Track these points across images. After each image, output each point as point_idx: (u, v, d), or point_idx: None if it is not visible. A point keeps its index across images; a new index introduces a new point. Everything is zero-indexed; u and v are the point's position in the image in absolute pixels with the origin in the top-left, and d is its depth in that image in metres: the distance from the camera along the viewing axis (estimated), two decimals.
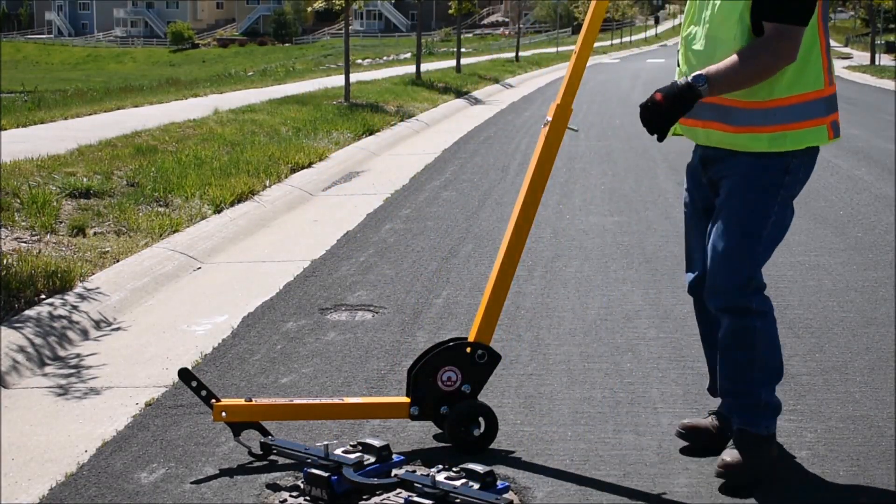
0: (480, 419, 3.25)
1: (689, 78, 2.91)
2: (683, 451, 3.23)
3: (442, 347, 3.30)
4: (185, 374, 3.26)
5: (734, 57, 2.90)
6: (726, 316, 3.06)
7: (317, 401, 3.37)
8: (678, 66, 3.19)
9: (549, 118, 3.27)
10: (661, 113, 2.91)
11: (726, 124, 3.01)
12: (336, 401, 3.36)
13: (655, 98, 2.92)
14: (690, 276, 3.28)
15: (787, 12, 2.86)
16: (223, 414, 3.22)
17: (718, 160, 3.08)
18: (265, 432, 3.23)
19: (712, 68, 2.90)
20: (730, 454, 3.02)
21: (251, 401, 3.27)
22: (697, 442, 3.24)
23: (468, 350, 3.28)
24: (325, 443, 2.98)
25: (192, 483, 3.02)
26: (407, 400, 3.28)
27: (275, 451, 3.12)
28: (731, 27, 2.94)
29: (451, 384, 3.26)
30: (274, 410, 3.29)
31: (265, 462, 3.15)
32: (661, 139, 2.99)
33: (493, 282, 3.31)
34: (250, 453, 3.19)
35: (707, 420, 3.28)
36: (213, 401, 3.24)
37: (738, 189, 3.03)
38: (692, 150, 3.26)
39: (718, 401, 3.31)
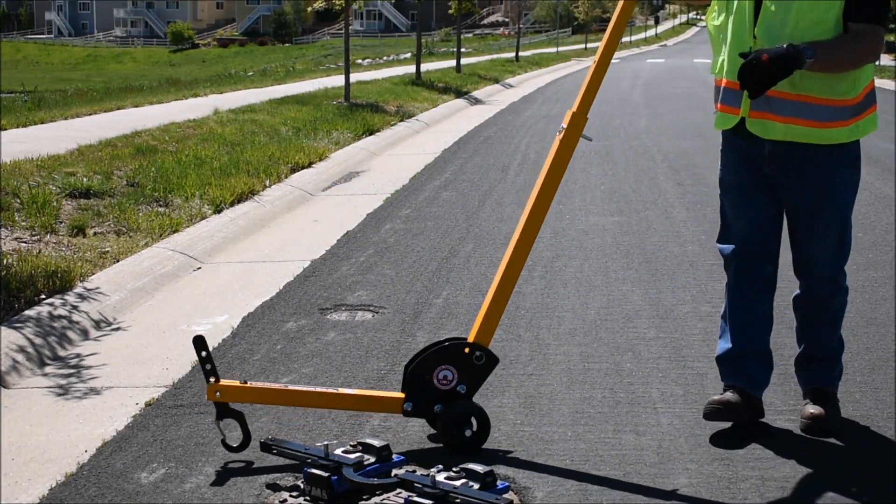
0: (473, 420, 3.23)
1: (799, 45, 3.08)
2: (714, 438, 3.32)
3: (440, 346, 3.30)
4: (199, 342, 3.22)
5: (839, 41, 3.16)
6: (837, 296, 3.48)
7: (311, 388, 3.38)
8: (717, 66, 3.39)
9: (564, 125, 3.33)
10: (763, 71, 3.06)
11: (813, 120, 3.23)
12: (330, 390, 3.37)
13: (762, 58, 3.06)
14: (732, 246, 3.52)
15: (877, 14, 3.21)
16: (217, 394, 3.21)
17: (792, 153, 3.30)
18: (245, 427, 3.21)
19: (819, 43, 3.12)
20: (814, 408, 3.41)
21: (246, 383, 3.28)
22: (729, 414, 3.36)
23: (466, 350, 3.28)
24: (325, 443, 2.98)
25: (191, 483, 3.02)
26: (401, 395, 3.29)
27: (275, 451, 3.11)
28: (827, 30, 3.18)
29: (447, 383, 3.26)
30: (267, 394, 3.29)
31: (242, 460, 3.15)
32: (754, 97, 3.14)
33: (496, 284, 3.32)
34: (224, 443, 3.18)
35: (728, 395, 3.41)
36: (212, 379, 3.22)
37: (832, 181, 3.32)
38: (738, 140, 3.41)
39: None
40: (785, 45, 3.09)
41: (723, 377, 3.52)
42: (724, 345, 3.51)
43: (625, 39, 75.97)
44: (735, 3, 3.31)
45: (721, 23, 3.38)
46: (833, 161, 3.30)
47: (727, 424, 3.43)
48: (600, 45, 3.34)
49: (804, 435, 3.37)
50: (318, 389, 3.38)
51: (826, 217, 3.36)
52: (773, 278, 3.55)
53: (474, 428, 3.23)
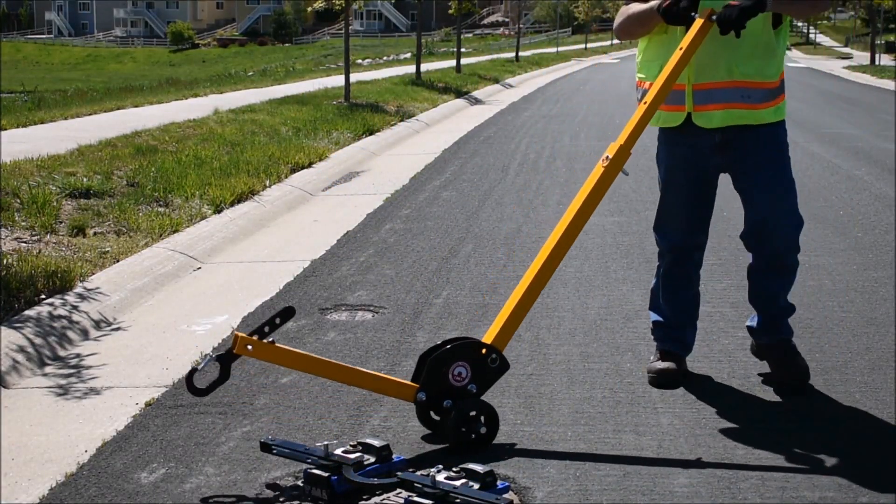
0: (482, 419, 3.24)
1: None
2: (714, 438, 3.35)
3: (459, 342, 3.32)
4: (287, 312, 3.19)
5: None
6: (790, 257, 3.80)
7: (332, 360, 3.38)
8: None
9: (609, 156, 3.56)
10: (738, 17, 3.48)
11: (748, 103, 3.63)
12: (350, 366, 3.38)
13: (730, 3, 3.50)
14: (681, 239, 3.93)
15: None
16: (248, 347, 3.13)
17: (736, 138, 3.69)
18: (225, 375, 3.16)
19: None
20: (802, 361, 3.86)
21: (273, 342, 3.19)
22: (667, 380, 3.82)
23: (483, 351, 3.30)
24: (325, 443, 2.98)
25: (191, 483, 3.02)
26: (415, 385, 3.29)
27: (274, 452, 3.11)
28: (757, 19, 3.57)
29: (460, 380, 3.27)
30: (292, 357, 3.26)
31: (242, 460, 3.15)
32: (739, 34, 3.53)
33: (522, 292, 3.37)
34: (189, 382, 3.13)
35: (669, 364, 3.87)
36: (255, 336, 3.14)
37: (773, 155, 3.71)
38: (677, 141, 3.83)
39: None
40: None
41: (659, 341, 3.98)
42: (658, 317, 4.00)
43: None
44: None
45: (663, 32, 3.75)
46: (777, 137, 3.73)
47: (727, 424, 3.44)
48: (654, 86, 3.60)
49: (804, 435, 3.37)
50: (339, 363, 3.37)
51: (775, 184, 3.70)
52: (701, 261, 4.02)
53: (484, 427, 3.23)
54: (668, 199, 3.93)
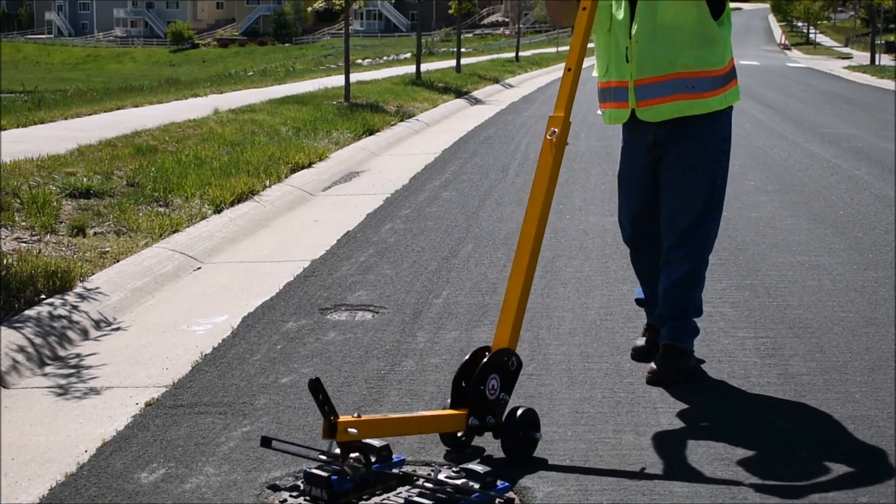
0: (532, 422, 3.21)
1: None
2: (714, 438, 3.32)
3: (490, 355, 3.22)
4: (315, 385, 2.85)
5: None
6: (693, 261, 3.88)
7: (403, 415, 3.26)
8: (605, 70, 3.89)
9: (556, 129, 3.42)
10: None
11: (692, 93, 3.72)
12: (406, 415, 3.26)
13: None
14: (628, 232, 4.11)
15: None
16: (352, 431, 2.85)
17: (678, 129, 3.79)
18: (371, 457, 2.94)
19: None
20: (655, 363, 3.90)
21: (360, 417, 2.96)
22: (644, 357, 4.06)
23: (505, 358, 3.25)
24: (328, 441, 2.96)
25: (191, 483, 3.02)
26: (462, 412, 3.16)
27: (275, 447, 3.08)
28: (692, 15, 3.69)
29: (494, 392, 3.21)
30: (383, 425, 3.07)
31: (242, 460, 3.15)
32: None
33: (518, 289, 3.27)
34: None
35: (643, 339, 4.17)
36: (333, 417, 2.85)
37: (703, 147, 3.80)
38: (629, 135, 3.96)
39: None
40: None
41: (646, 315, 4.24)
42: (639, 294, 4.25)
43: None
44: (617, 14, 3.80)
45: (607, 32, 3.84)
46: (714, 127, 3.81)
47: (727, 424, 3.45)
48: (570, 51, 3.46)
49: (804, 435, 3.37)
50: (401, 415, 3.24)
51: (697, 179, 3.82)
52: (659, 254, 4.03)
53: (540, 433, 3.20)
54: (619, 192, 4.12)
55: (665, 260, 3.93)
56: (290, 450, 3.03)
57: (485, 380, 3.18)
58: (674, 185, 3.85)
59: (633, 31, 3.76)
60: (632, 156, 3.99)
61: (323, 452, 2.93)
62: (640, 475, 3.06)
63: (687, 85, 3.72)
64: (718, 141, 3.84)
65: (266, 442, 3.08)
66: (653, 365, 3.89)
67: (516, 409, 3.19)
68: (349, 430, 2.83)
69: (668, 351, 3.91)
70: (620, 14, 3.80)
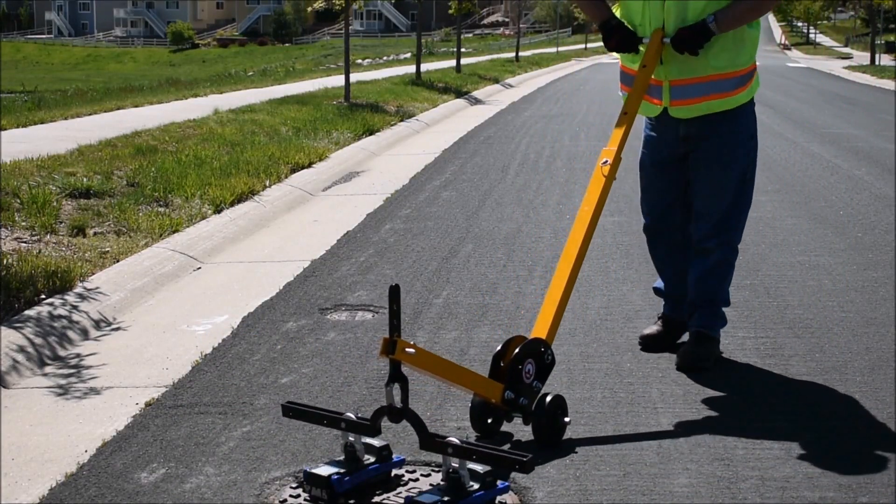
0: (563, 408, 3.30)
1: (705, 19, 3.77)
2: (714, 438, 3.31)
3: (528, 339, 3.35)
4: (394, 292, 2.83)
5: (734, 2, 3.79)
6: (724, 250, 4.03)
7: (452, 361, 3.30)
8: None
9: (609, 160, 3.85)
10: (686, 39, 3.78)
11: (725, 92, 3.89)
12: (454, 363, 3.29)
13: (683, 33, 3.79)
14: (648, 220, 4.24)
15: None
16: (409, 351, 2.90)
17: (708, 125, 3.94)
18: (407, 394, 2.89)
19: (719, 11, 3.78)
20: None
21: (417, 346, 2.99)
22: (654, 346, 4.20)
23: (542, 349, 3.37)
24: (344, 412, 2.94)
25: (191, 483, 3.02)
26: (500, 384, 3.26)
27: (292, 415, 3.06)
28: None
29: (529, 377, 3.32)
30: (436, 363, 3.12)
31: (242, 460, 3.15)
32: (697, 53, 3.82)
33: (561, 290, 3.50)
34: (391, 407, 2.90)
35: (655, 327, 4.28)
36: (396, 334, 2.87)
37: (733, 143, 3.94)
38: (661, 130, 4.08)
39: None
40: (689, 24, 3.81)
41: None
42: (658, 284, 4.39)
43: None
44: (649, 7, 3.91)
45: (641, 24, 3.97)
46: (743, 119, 3.97)
47: (727, 424, 3.45)
48: (629, 100, 3.92)
49: (804, 435, 3.37)
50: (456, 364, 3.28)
51: (728, 172, 3.96)
52: (682, 244, 4.17)
53: (568, 418, 3.31)
54: (641, 179, 4.24)
55: (697, 250, 4.06)
56: (312, 414, 3.01)
57: (523, 361, 3.29)
58: (705, 180, 3.99)
59: (665, 21, 3.88)
60: (657, 147, 4.11)
61: (340, 418, 2.92)
62: (640, 475, 3.06)
63: (717, 86, 3.88)
64: (746, 137, 3.98)
65: (287, 411, 3.05)
66: (683, 353, 4.03)
67: (545, 394, 3.29)
68: (407, 349, 2.90)
69: (699, 338, 4.04)
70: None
